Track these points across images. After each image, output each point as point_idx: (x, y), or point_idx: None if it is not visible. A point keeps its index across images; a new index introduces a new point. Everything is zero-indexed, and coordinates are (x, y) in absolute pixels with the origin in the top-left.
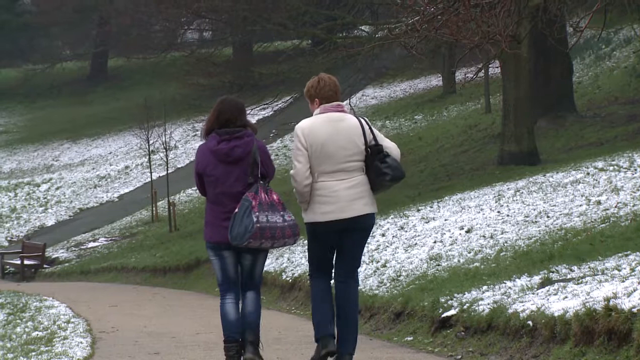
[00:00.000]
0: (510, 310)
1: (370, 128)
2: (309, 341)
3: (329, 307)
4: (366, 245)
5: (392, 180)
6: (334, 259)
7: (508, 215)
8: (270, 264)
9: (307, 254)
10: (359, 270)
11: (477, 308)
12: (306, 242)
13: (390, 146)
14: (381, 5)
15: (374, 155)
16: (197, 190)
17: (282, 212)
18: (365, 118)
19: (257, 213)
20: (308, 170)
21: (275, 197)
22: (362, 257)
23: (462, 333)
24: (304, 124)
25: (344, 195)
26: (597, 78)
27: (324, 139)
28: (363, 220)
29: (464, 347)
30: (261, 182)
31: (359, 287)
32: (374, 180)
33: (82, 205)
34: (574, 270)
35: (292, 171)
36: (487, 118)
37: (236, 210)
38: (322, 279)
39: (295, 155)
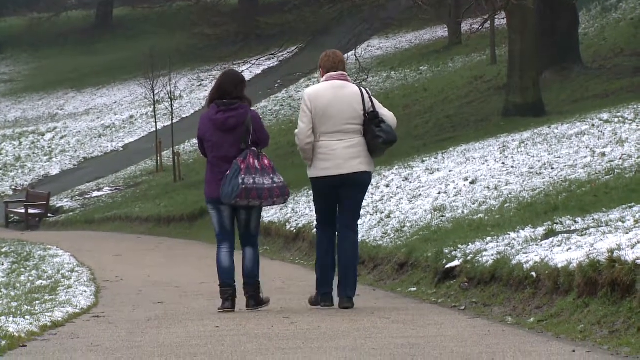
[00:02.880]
0: (514, 262)
1: (370, 97)
2: (312, 291)
3: (332, 259)
4: (371, 196)
5: (384, 143)
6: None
7: (512, 167)
8: (275, 214)
9: (311, 205)
10: (359, 222)
11: (480, 259)
12: (308, 194)
13: (387, 114)
14: None
15: (370, 120)
16: (200, 152)
17: (271, 175)
18: (366, 88)
19: (243, 176)
20: (310, 130)
21: (266, 161)
22: (367, 208)
23: (466, 284)
24: (310, 90)
25: (341, 154)
26: (603, 30)
27: (326, 103)
28: (358, 177)
29: (468, 298)
30: (253, 148)
31: (363, 238)
32: (369, 143)
33: (87, 154)
34: (577, 222)
35: (296, 130)
36: (493, 69)
37: (227, 172)
38: (326, 231)
39: (300, 117)
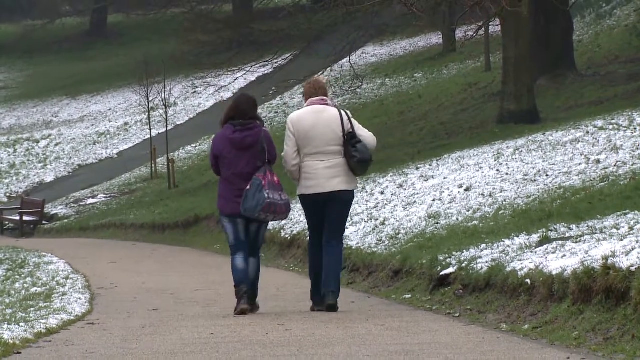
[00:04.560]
0: (508, 269)
1: (349, 119)
2: (306, 298)
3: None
4: (365, 203)
5: (358, 162)
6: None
7: (507, 174)
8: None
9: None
10: (354, 229)
11: (475, 266)
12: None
13: (366, 135)
14: None
15: (348, 141)
16: (212, 170)
17: (280, 192)
18: (347, 111)
19: (267, 190)
20: (295, 152)
21: (276, 179)
22: (361, 215)
23: (460, 291)
24: (293, 115)
25: (323, 174)
26: (598, 37)
27: (308, 127)
28: (338, 195)
29: (462, 305)
30: (267, 165)
31: (358, 245)
32: (347, 162)
33: (81, 161)
34: (572, 229)
35: (282, 153)
36: (487, 76)
37: (247, 187)
38: (318, 243)
39: (285, 141)
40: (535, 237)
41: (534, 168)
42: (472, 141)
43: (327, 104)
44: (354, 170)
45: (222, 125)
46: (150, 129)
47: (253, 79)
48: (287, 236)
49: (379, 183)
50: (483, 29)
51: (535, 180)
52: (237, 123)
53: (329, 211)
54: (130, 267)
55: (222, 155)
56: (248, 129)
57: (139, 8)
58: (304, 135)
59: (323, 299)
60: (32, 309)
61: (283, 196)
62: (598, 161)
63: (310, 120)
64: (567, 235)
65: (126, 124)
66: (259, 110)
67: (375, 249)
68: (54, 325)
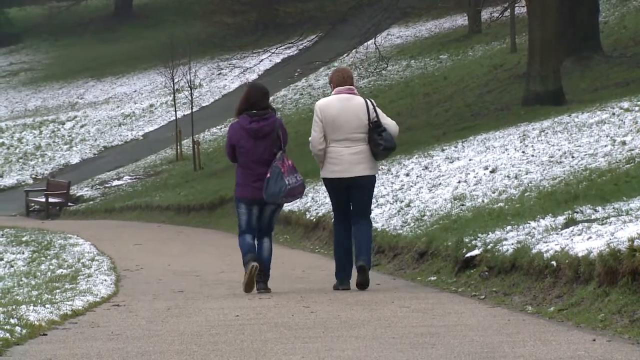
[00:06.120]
0: (534, 251)
1: (374, 107)
2: (331, 280)
3: (348, 247)
4: (390, 185)
5: (384, 149)
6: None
7: (533, 156)
8: (295, 203)
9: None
10: (379, 211)
11: (500, 248)
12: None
13: (389, 123)
14: None
15: (374, 129)
16: (228, 158)
17: (295, 175)
18: (371, 100)
19: (287, 177)
20: (322, 137)
21: (290, 162)
22: (387, 197)
23: (486, 273)
24: (321, 102)
25: (348, 159)
26: (624, 18)
27: (335, 114)
28: (362, 180)
29: (488, 287)
30: (282, 151)
31: (383, 227)
32: (372, 149)
33: (107, 143)
34: (598, 211)
35: (310, 138)
36: (513, 58)
37: (268, 175)
38: (342, 223)
39: (313, 126)
40: (560, 219)
41: (559, 150)
42: (498, 123)
43: (354, 93)
44: (377, 157)
45: (237, 115)
46: (175, 111)
47: (278, 60)
48: (312, 218)
49: (404, 165)
50: (509, 10)
51: (560, 162)
52: (253, 114)
53: (354, 195)
54: (156, 248)
55: (240, 144)
56: (264, 119)
57: None
58: (331, 122)
59: (346, 279)
60: (57, 291)
61: (298, 177)
62: (624, 143)
63: (337, 108)
64: (593, 217)
65: (151, 105)
66: (284, 92)
67: (401, 231)
68: (80, 307)
